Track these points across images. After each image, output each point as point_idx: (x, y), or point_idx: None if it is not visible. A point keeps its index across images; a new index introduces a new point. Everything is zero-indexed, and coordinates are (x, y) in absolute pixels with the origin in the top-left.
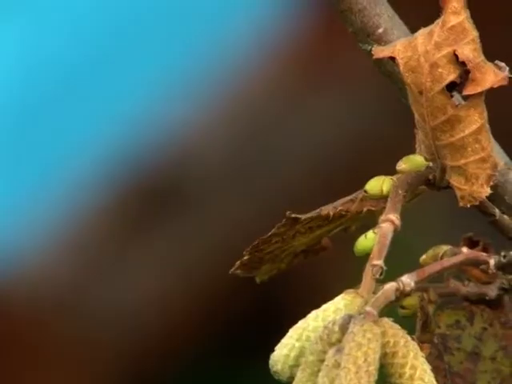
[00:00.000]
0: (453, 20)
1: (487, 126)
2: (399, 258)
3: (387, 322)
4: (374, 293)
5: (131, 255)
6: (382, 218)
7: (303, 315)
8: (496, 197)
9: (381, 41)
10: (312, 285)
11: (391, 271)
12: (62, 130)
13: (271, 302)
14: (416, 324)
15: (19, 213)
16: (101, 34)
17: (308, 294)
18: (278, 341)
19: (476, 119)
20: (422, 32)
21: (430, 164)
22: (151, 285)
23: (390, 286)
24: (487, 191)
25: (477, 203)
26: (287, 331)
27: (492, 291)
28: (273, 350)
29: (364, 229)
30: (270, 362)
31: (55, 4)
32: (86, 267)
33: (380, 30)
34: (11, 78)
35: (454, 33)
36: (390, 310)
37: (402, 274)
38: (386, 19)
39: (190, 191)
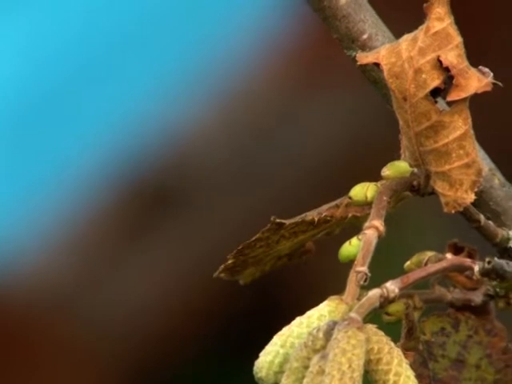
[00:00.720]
0: (437, 26)
1: (472, 131)
2: (398, 260)
3: (371, 328)
4: (359, 299)
5: (131, 256)
6: (367, 224)
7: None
8: (481, 203)
9: (365, 47)
10: (312, 286)
11: (390, 273)
12: (61, 131)
13: (271, 302)
14: (401, 331)
15: (19, 214)
16: (101, 34)
17: (308, 294)
18: None
19: (460, 125)
20: (406, 38)
21: (415, 170)
22: (151, 285)
23: (375, 293)
24: (472, 197)
25: (461, 209)
26: None
27: (477, 297)
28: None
29: (351, 232)
30: (255, 368)
31: (55, 6)
32: (85, 268)
33: (364, 36)
34: (11, 79)
35: (438, 39)
36: (375, 316)
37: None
38: (370, 25)
39: (189, 193)
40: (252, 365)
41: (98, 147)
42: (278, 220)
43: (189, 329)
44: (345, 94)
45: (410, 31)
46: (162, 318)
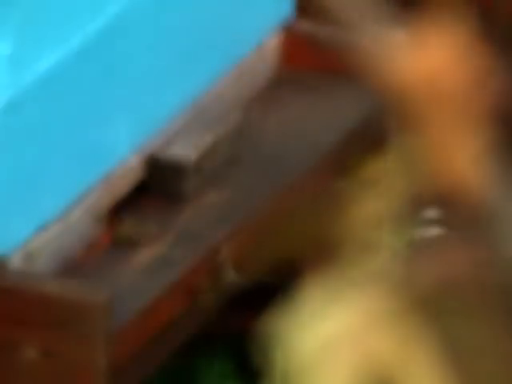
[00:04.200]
0: (451, 36)
1: (483, 129)
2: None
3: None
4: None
5: (127, 254)
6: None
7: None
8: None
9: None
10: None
11: None
12: (59, 131)
13: (269, 300)
14: (413, 319)
15: (17, 212)
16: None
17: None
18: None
19: (469, 126)
20: (421, 48)
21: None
22: (147, 282)
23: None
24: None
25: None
26: (288, 330)
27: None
28: (272, 349)
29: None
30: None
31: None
32: (80, 266)
33: (377, 45)
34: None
35: (454, 49)
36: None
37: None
38: (380, 33)
39: (183, 190)
40: (251, 363)
41: (95, 146)
42: (289, 210)
43: (188, 327)
44: (343, 93)
45: (423, 40)
46: (158, 315)
